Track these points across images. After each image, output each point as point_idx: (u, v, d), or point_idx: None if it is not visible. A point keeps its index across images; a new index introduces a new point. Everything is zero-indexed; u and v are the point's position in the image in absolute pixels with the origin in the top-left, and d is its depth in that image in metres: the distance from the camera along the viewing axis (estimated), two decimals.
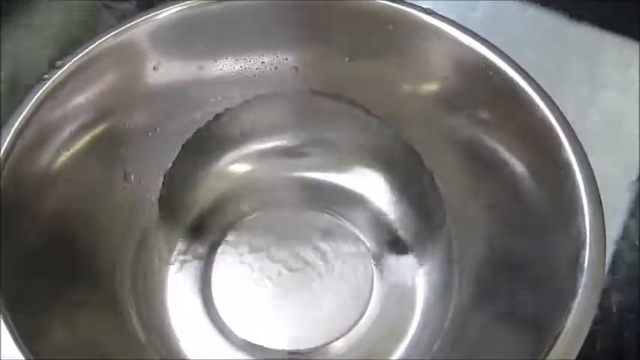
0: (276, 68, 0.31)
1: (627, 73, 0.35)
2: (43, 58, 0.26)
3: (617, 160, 0.32)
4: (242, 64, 0.30)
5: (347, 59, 0.30)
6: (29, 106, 0.25)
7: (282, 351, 0.28)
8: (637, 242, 0.31)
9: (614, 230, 0.31)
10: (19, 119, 0.25)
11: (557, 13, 0.37)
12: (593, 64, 0.35)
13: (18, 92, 0.25)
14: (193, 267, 0.30)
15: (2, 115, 0.24)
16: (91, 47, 0.27)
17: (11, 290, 0.22)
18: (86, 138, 0.28)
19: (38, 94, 0.25)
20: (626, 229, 0.31)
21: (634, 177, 0.32)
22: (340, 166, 0.32)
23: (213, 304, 0.29)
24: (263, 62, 0.31)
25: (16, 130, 0.24)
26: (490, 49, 0.28)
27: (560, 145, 0.25)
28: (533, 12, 0.37)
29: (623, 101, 0.34)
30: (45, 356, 0.22)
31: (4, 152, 0.24)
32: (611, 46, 0.36)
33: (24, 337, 0.21)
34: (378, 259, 0.31)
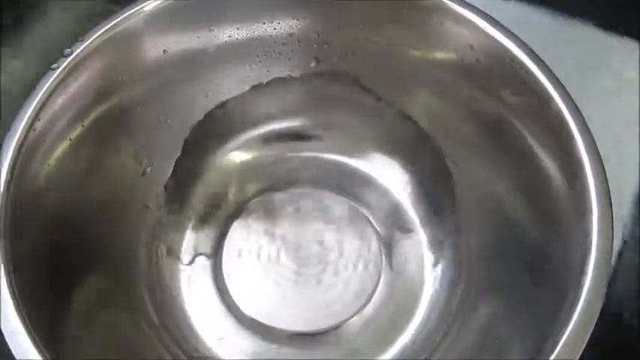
0: (287, 49, 0.30)
1: (628, 74, 0.34)
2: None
3: (617, 161, 0.32)
4: (253, 44, 0.30)
5: (360, 41, 0.30)
6: (39, 97, 0.25)
7: (291, 332, 0.29)
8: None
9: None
10: (30, 111, 0.25)
11: (557, 13, 0.36)
12: (594, 65, 0.34)
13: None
14: (205, 249, 0.31)
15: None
16: (98, 34, 0.27)
17: (28, 278, 0.23)
18: (98, 124, 0.28)
19: (48, 84, 0.25)
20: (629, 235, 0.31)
21: (635, 178, 0.32)
22: (352, 148, 0.32)
23: (225, 286, 0.30)
24: (274, 41, 0.30)
25: (27, 121, 0.25)
26: (507, 36, 0.27)
27: (573, 141, 0.25)
28: (531, 11, 0.36)
29: (623, 102, 0.34)
30: (61, 344, 0.23)
31: (15, 146, 0.24)
32: (612, 46, 0.35)
33: (39, 325, 0.22)
34: (387, 242, 0.31)
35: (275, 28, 0.30)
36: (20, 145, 0.24)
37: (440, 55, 0.29)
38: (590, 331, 0.22)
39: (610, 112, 0.33)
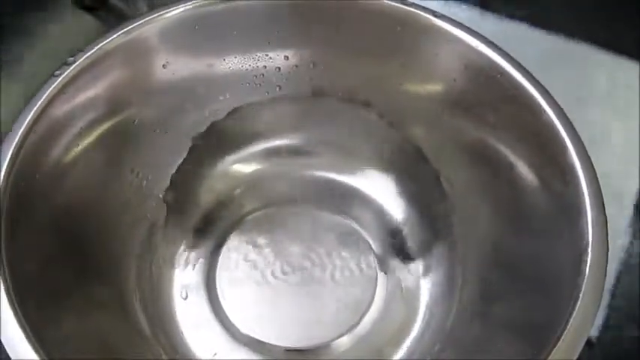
0: (284, 68, 0.31)
1: (627, 93, 0.35)
2: None
3: (615, 179, 0.32)
4: (250, 63, 0.31)
5: (355, 60, 0.31)
6: (40, 101, 0.25)
7: (284, 348, 0.29)
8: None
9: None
10: (31, 114, 0.25)
11: (557, 34, 0.37)
12: (594, 85, 0.36)
13: None
14: (199, 263, 0.31)
15: None
16: (101, 44, 0.27)
17: (22, 283, 0.23)
18: (95, 133, 0.28)
19: (49, 90, 0.26)
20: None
21: (633, 197, 0.32)
22: (348, 166, 0.33)
23: (217, 299, 0.30)
24: (271, 60, 0.31)
25: (27, 125, 0.25)
26: (497, 52, 0.28)
27: (565, 149, 0.25)
28: (533, 32, 0.37)
29: (622, 124, 0.35)
30: (52, 349, 0.22)
31: (15, 147, 0.24)
32: (612, 65, 0.36)
33: (33, 328, 0.22)
34: (382, 259, 0.31)
35: (274, 48, 0.31)
36: (19, 147, 0.24)
37: (433, 76, 0.30)
38: (588, 333, 0.22)
39: (610, 131, 0.34)
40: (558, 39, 0.37)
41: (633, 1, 0.37)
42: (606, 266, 0.23)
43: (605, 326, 0.30)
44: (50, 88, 0.26)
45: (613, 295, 0.30)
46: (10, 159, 0.24)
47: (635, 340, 0.30)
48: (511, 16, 0.38)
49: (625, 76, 0.36)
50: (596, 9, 0.38)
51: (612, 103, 0.35)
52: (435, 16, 0.29)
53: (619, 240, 0.31)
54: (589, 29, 0.37)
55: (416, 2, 0.29)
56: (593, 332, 0.30)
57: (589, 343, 0.29)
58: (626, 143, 0.34)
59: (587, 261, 0.23)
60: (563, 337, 0.22)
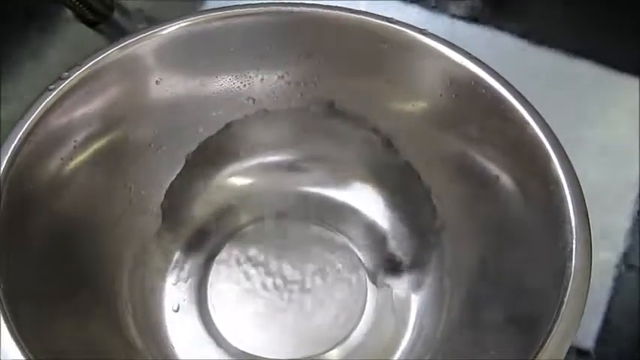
0: (276, 85, 0.32)
1: (627, 110, 0.36)
2: None
3: (615, 197, 0.33)
4: (242, 81, 0.31)
5: (344, 77, 0.31)
6: (35, 114, 0.26)
7: None
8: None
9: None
10: (25, 126, 0.25)
11: (556, 50, 0.37)
12: (592, 101, 0.36)
13: None
14: (190, 276, 0.31)
15: None
16: (95, 60, 0.28)
17: (14, 291, 0.23)
18: (89, 148, 0.28)
19: (44, 104, 0.26)
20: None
21: (632, 215, 0.33)
22: (339, 181, 0.33)
23: (209, 313, 0.30)
24: (263, 77, 0.32)
25: (22, 136, 0.25)
26: (481, 67, 0.29)
27: (549, 160, 0.26)
28: (531, 49, 0.37)
29: (621, 138, 0.35)
30: (44, 357, 0.22)
31: (10, 157, 0.25)
32: (611, 82, 0.37)
33: (25, 338, 0.22)
34: (372, 273, 0.31)
35: (265, 65, 0.31)
36: (14, 157, 0.25)
37: (420, 92, 0.31)
38: (573, 337, 0.23)
39: (609, 148, 0.34)
40: (555, 55, 0.37)
41: (632, 18, 0.38)
42: (590, 272, 0.24)
43: (602, 337, 0.30)
44: (44, 102, 0.26)
45: (610, 306, 0.31)
46: (5, 168, 0.25)
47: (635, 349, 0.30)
48: (508, 31, 0.38)
49: (624, 91, 0.36)
50: (594, 24, 0.38)
51: (611, 117, 0.36)
52: (421, 32, 0.29)
53: (618, 248, 0.32)
54: (586, 45, 0.37)
55: (402, 16, 0.30)
56: (589, 343, 0.30)
57: (585, 353, 0.30)
58: (625, 153, 0.34)
59: (570, 267, 0.24)
60: (549, 339, 0.22)
